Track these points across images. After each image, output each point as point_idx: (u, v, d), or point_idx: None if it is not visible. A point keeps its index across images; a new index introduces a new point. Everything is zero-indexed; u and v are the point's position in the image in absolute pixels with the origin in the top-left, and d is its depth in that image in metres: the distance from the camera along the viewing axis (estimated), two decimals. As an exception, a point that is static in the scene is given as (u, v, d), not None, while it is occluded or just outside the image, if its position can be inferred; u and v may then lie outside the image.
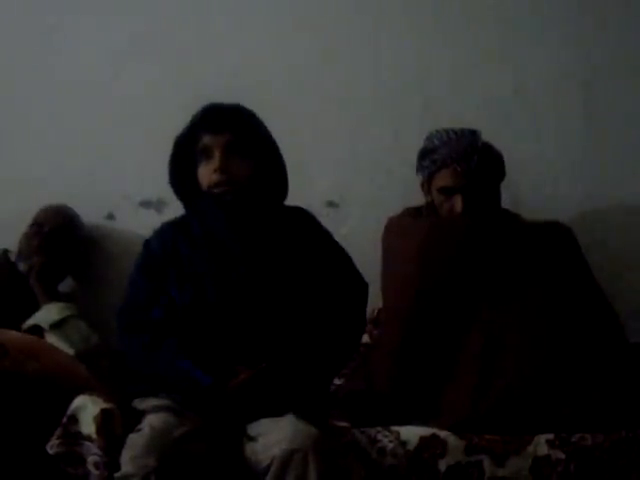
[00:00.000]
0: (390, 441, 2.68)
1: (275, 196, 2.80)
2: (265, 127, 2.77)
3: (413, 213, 3.25)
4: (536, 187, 3.50)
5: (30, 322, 3.17)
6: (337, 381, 3.07)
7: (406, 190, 3.34)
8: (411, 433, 2.70)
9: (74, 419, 2.62)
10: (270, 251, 2.72)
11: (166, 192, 2.83)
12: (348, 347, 2.78)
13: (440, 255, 3.04)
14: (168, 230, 2.80)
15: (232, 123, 2.71)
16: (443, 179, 3.14)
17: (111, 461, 2.53)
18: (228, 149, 2.70)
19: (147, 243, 2.80)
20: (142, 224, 3.00)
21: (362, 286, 2.81)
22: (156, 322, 2.68)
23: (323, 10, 3.60)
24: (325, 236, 2.83)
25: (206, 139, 2.70)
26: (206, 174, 2.71)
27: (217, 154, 2.69)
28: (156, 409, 2.59)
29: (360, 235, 3.39)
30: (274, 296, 2.68)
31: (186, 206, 2.81)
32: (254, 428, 2.58)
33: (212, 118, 2.71)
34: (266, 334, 2.64)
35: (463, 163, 3.10)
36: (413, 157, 3.23)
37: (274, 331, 2.65)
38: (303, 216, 2.84)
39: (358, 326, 2.81)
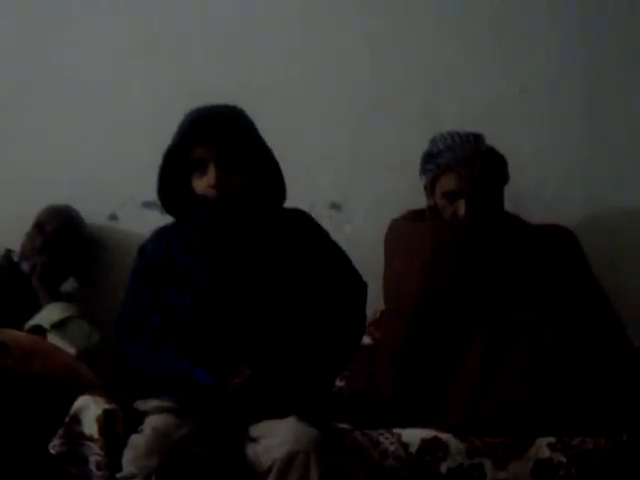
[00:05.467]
0: (392, 443, 2.69)
1: (272, 199, 2.79)
2: (256, 130, 2.73)
3: (416, 216, 3.26)
4: (537, 189, 3.50)
5: (32, 322, 3.17)
6: (339, 383, 3.07)
7: (409, 192, 3.34)
8: (413, 435, 2.71)
9: (76, 419, 2.63)
10: (266, 253, 2.71)
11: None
12: (348, 346, 2.77)
13: (446, 258, 3.04)
14: (163, 235, 2.80)
15: (224, 133, 2.67)
16: (447, 183, 3.14)
17: (113, 461, 2.54)
18: (222, 162, 2.67)
19: (142, 249, 2.80)
20: (145, 225, 2.99)
21: (361, 286, 2.81)
22: (155, 327, 2.68)
23: (325, 10, 3.59)
24: (323, 237, 2.83)
25: (199, 151, 2.67)
26: (201, 187, 2.69)
27: (212, 169, 2.66)
28: (158, 410, 2.59)
29: (363, 237, 3.39)
30: (272, 297, 2.67)
31: (178, 212, 2.79)
32: (256, 429, 2.58)
33: (204, 129, 2.66)
34: (264, 334, 2.64)
35: (467, 168, 3.11)
36: (416, 159, 3.23)
37: (272, 331, 2.65)
38: (301, 217, 2.83)
39: (358, 325, 2.80)
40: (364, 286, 2.81)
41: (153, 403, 2.62)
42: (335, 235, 2.88)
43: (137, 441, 2.49)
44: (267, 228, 2.75)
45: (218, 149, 2.67)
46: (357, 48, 3.58)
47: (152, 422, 2.54)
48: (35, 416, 2.71)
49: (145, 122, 3.54)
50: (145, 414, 2.60)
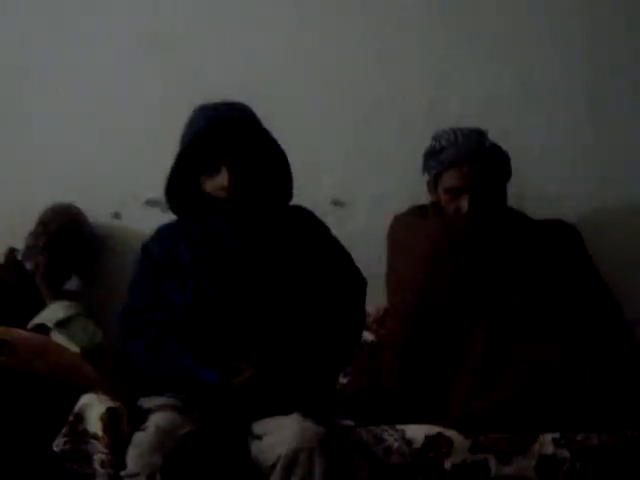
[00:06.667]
0: (396, 440, 2.69)
1: (279, 198, 2.80)
2: (265, 129, 2.74)
3: (419, 212, 3.26)
4: (540, 185, 3.49)
5: (36, 321, 3.17)
6: (343, 380, 3.08)
7: (412, 189, 3.35)
8: (417, 432, 2.70)
9: (80, 417, 2.63)
10: (269, 250, 2.72)
11: (172, 191, 2.82)
12: (349, 343, 2.79)
13: (449, 254, 3.04)
14: (166, 233, 2.80)
15: (236, 135, 2.68)
16: (450, 179, 3.14)
17: (117, 459, 2.54)
18: (235, 165, 2.68)
19: (146, 247, 2.80)
20: (148, 223, 2.99)
21: (361, 282, 2.82)
22: (159, 323, 2.69)
23: (329, 9, 3.59)
24: (324, 234, 2.84)
25: (211, 153, 2.68)
26: (212, 187, 2.70)
27: (224, 172, 2.67)
28: (162, 408, 2.60)
29: (366, 234, 3.39)
30: (274, 294, 2.68)
31: (182, 211, 2.79)
32: (259, 426, 2.58)
33: (216, 132, 2.67)
34: (267, 332, 2.65)
35: (470, 164, 3.11)
36: (419, 156, 3.23)
37: (275, 329, 2.65)
38: (303, 214, 2.84)
39: (358, 322, 2.82)
40: (364, 282, 2.82)
41: (157, 401, 2.63)
42: (338, 232, 2.88)
43: (141, 439, 2.50)
44: (272, 227, 2.76)
45: (231, 151, 2.67)
46: (360, 47, 3.58)
47: (156, 420, 2.54)
48: (39, 414, 2.71)
49: (147, 121, 3.54)
50: (149, 412, 2.60)
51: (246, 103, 2.76)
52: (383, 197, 3.49)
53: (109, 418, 2.59)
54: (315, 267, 2.74)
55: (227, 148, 2.67)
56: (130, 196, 3.57)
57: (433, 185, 3.20)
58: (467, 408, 2.79)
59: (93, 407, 2.63)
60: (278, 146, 2.74)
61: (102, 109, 3.58)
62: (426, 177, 3.24)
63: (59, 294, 3.31)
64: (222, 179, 2.67)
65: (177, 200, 2.77)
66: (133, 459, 2.48)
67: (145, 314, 2.71)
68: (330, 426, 2.59)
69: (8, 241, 3.43)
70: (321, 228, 2.84)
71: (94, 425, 2.60)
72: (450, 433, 2.70)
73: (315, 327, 2.69)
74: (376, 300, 3.08)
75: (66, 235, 3.38)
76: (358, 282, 2.81)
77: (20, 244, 3.40)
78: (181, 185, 2.74)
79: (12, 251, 3.43)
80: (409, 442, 2.68)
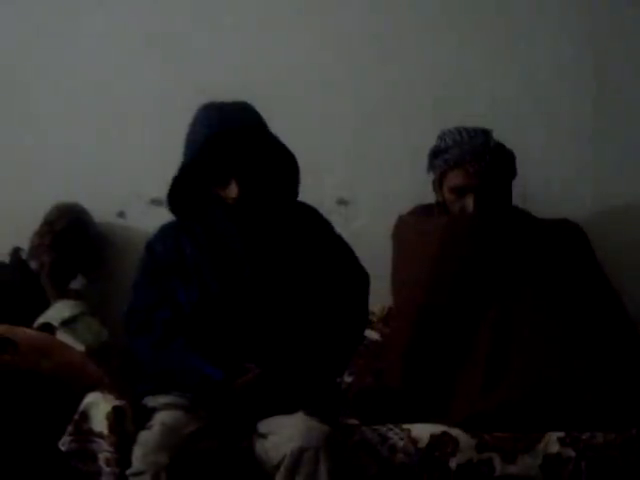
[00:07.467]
0: (401, 439, 2.69)
1: (286, 197, 2.80)
2: (273, 134, 2.73)
3: (424, 211, 3.26)
4: (544, 185, 3.50)
5: (41, 320, 3.17)
6: (347, 378, 3.08)
7: (416, 188, 3.35)
8: (422, 431, 2.71)
9: (86, 416, 2.63)
10: (273, 248, 2.73)
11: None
12: (352, 339, 2.80)
13: (455, 254, 3.05)
14: (170, 232, 2.80)
15: (245, 146, 2.67)
16: (455, 178, 3.14)
17: (122, 458, 2.54)
18: (243, 177, 2.67)
19: (150, 246, 2.80)
20: (153, 222, 2.99)
21: (364, 278, 2.82)
22: (164, 322, 2.69)
23: (331, 8, 3.59)
24: (327, 230, 2.84)
25: (221, 165, 2.68)
26: (221, 194, 2.70)
27: (234, 185, 2.67)
28: (167, 406, 2.60)
29: (370, 232, 3.39)
30: (278, 292, 2.69)
31: (183, 211, 2.79)
32: (264, 425, 2.58)
33: (226, 143, 2.66)
34: (272, 330, 2.65)
35: (475, 163, 3.11)
36: (424, 155, 3.23)
37: (279, 327, 2.66)
38: (306, 211, 2.84)
39: (361, 317, 2.82)
40: (367, 278, 2.83)
41: (162, 399, 2.63)
42: (343, 231, 2.89)
43: (146, 437, 2.50)
44: (276, 224, 2.76)
45: (238, 165, 2.67)
46: (364, 47, 3.58)
47: (161, 418, 2.55)
48: (44, 413, 2.71)
49: (151, 120, 3.54)
50: (154, 410, 2.60)
51: (249, 102, 2.76)
52: (387, 196, 3.49)
53: (114, 417, 2.59)
54: (318, 264, 2.74)
55: (235, 160, 2.67)
56: (134, 195, 3.57)
57: (438, 184, 3.20)
58: (471, 409, 2.79)
59: (98, 406, 2.63)
60: (284, 147, 2.73)
61: (108, 109, 3.58)
62: (431, 176, 3.24)
63: (64, 293, 3.31)
64: (231, 192, 2.67)
65: (180, 202, 2.77)
66: (138, 458, 2.48)
67: (149, 313, 2.71)
68: (335, 425, 2.60)
69: (13, 241, 3.43)
70: (324, 225, 2.84)
71: (100, 424, 2.61)
72: (455, 432, 2.70)
73: (319, 324, 2.69)
74: (380, 299, 3.08)
75: (71, 234, 3.38)
76: (361, 278, 2.82)
77: (25, 244, 3.41)
78: (185, 188, 2.74)
79: (17, 250, 3.43)
80: (414, 441, 2.69)
